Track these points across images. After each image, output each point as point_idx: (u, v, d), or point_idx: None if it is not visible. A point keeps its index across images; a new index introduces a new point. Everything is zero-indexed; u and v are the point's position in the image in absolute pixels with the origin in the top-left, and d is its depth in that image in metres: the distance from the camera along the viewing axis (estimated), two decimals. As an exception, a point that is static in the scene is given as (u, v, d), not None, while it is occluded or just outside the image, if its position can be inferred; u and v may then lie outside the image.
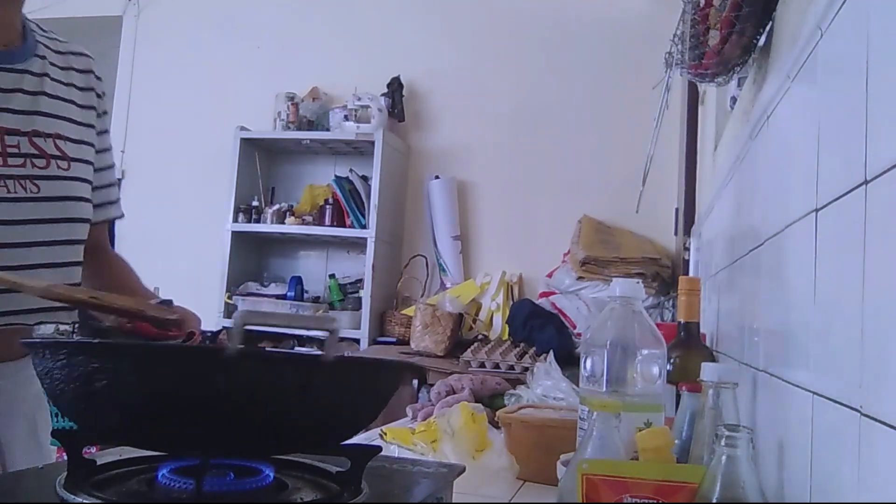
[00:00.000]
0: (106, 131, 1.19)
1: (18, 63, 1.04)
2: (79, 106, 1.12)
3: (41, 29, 1.12)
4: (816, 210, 0.71)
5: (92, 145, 1.13)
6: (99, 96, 1.17)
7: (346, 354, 0.87)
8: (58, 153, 1.04)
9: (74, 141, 1.08)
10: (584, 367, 0.98)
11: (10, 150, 0.98)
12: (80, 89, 1.13)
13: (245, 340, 0.59)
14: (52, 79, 1.08)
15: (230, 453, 0.72)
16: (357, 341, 3.13)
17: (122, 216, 1.25)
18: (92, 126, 1.14)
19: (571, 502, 0.75)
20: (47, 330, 0.87)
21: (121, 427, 0.65)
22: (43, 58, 1.08)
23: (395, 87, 3.43)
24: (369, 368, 0.78)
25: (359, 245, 3.36)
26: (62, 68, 1.11)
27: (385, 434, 1.30)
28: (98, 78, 1.18)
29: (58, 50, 1.12)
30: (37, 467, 0.81)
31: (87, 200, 1.09)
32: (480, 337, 3.10)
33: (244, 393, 0.61)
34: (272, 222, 3.39)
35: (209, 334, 0.93)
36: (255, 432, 0.65)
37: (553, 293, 3.02)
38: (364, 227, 3.26)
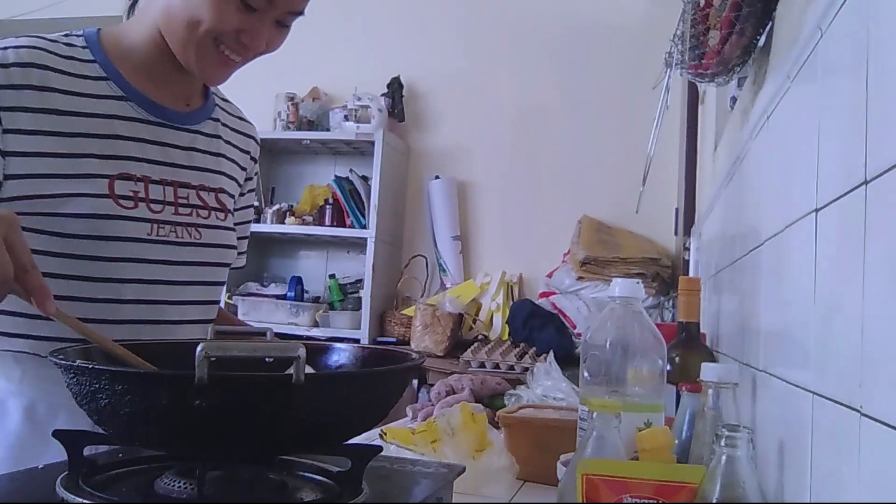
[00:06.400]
0: (252, 191, 1.35)
1: (195, 124, 1.18)
2: (239, 166, 1.27)
3: (218, 95, 1.30)
4: (816, 210, 0.71)
5: (234, 198, 1.27)
6: (253, 160, 1.33)
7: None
8: (218, 206, 1.18)
9: (231, 195, 1.22)
10: (584, 367, 0.98)
11: (181, 200, 1.12)
12: (241, 150, 1.28)
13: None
14: (225, 141, 1.23)
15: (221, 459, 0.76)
16: (357, 342, 3.13)
17: (242, 267, 1.39)
18: (239, 183, 1.29)
19: (571, 502, 0.75)
20: None
21: (129, 434, 0.73)
22: (216, 120, 1.23)
23: (395, 87, 3.43)
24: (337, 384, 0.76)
25: (359, 245, 3.36)
26: (232, 129, 1.27)
27: (385, 434, 1.30)
28: (257, 143, 1.35)
29: (231, 113, 1.30)
30: (37, 467, 0.81)
31: (234, 248, 1.23)
32: (480, 337, 3.10)
33: (215, 415, 0.64)
34: (272, 222, 3.39)
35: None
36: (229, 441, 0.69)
37: (553, 293, 3.02)
38: (364, 227, 3.26)
